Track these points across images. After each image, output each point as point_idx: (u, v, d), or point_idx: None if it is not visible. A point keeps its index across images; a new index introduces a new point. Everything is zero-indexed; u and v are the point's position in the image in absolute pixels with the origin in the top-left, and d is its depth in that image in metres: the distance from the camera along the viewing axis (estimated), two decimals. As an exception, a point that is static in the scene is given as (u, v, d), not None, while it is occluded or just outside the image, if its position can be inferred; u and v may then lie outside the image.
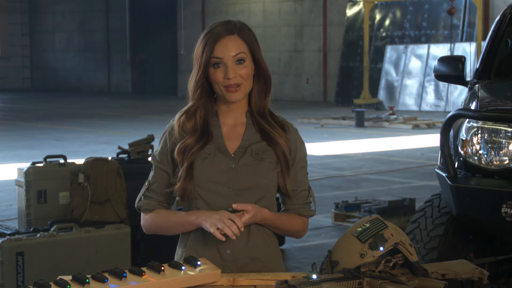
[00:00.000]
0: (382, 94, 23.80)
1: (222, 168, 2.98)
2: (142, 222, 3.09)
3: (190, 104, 3.02)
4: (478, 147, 4.90)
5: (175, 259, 3.07)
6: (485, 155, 4.88)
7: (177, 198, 3.05)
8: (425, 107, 22.73)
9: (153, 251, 6.28)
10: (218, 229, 2.84)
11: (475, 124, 4.92)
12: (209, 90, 3.02)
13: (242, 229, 2.86)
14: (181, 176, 2.96)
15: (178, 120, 3.03)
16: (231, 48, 2.96)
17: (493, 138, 4.88)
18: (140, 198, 3.08)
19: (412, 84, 23.27)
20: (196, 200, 2.99)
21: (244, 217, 2.88)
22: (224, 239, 2.86)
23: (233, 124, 3.05)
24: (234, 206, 2.89)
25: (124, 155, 6.89)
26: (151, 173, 3.07)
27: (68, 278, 2.57)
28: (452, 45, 21.28)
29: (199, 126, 2.99)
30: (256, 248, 3.02)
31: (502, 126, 4.88)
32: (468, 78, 5.85)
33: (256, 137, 3.03)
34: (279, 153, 3.00)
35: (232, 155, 3.00)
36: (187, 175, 2.95)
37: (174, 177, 3.00)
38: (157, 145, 3.15)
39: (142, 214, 3.08)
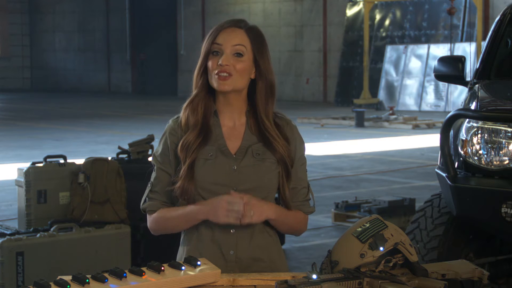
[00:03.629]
0: (382, 94, 23.80)
1: (224, 170, 2.98)
2: (148, 224, 3.08)
3: (193, 94, 3.02)
4: (478, 147, 4.90)
5: (178, 258, 3.07)
6: (485, 155, 4.88)
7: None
8: (425, 107, 22.74)
9: (153, 251, 6.28)
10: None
11: (475, 124, 4.91)
12: (208, 85, 3.02)
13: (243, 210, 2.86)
14: (182, 175, 2.96)
15: (185, 112, 3.02)
16: (232, 37, 2.96)
17: (493, 138, 4.88)
18: (145, 200, 3.08)
19: (412, 84, 23.28)
20: (197, 201, 2.98)
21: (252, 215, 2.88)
22: (239, 222, 2.86)
23: (232, 124, 3.04)
24: (232, 192, 2.90)
25: (124, 155, 6.89)
26: (153, 174, 3.07)
27: (68, 278, 2.57)
28: (452, 45, 21.28)
29: (199, 122, 2.99)
30: (259, 249, 3.02)
31: (502, 126, 4.88)
32: (468, 78, 5.85)
33: (255, 138, 3.03)
34: (278, 159, 3.00)
35: (234, 156, 3.00)
36: (188, 175, 2.95)
37: (176, 175, 3.00)
38: (157, 145, 3.14)
39: (147, 216, 3.08)
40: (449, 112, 5.27)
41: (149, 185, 3.07)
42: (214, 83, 2.96)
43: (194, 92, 3.02)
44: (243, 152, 3.00)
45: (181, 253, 3.07)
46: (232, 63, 2.94)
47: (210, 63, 2.97)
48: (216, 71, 2.95)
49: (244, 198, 2.87)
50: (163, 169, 3.04)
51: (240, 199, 2.86)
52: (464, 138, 4.93)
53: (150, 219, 3.07)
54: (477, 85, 5.49)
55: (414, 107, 22.94)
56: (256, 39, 3.00)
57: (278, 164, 3.01)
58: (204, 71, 3.00)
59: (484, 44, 5.95)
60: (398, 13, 24.70)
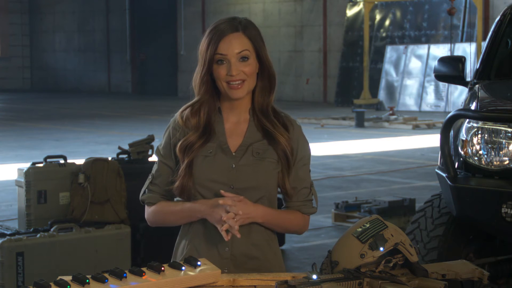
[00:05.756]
0: (382, 94, 23.80)
1: (223, 167, 2.99)
2: (146, 215, 3.11)
3: (195, 99, 3.03)
4: (478, 147, 4.90)
5: (175, 251, 3.09)
6: (485, 156, 4.88)
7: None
8: (425, 108, 22.74)
9: (153, 251, 6.28)
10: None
11: (475, 125, 4.91)
12: (213, 87, 3.03)
13: (237, 232, 2.88)
14: (181, 174, 2.98)
15: (181, 113, 3.03)
16: (235, 45, 2.96)
17: (493, 139, 4.88)
18: (144, 191, 3.10)
19: (412, 84, 23.28)
20: (196, 198, 3.00)
21: (236, 218, 2.89)
22: (227, 239, 2.88)
23: (236, 121, 3.05)
24: (222, 200, 2.89)
25: (124, 155, 6.89)
26: (155, 167, 3.08)
27: (68, 278, 2.57)
28: (452, 45, 21.28)
29: (202, 123, 3.00)
30: (255, 248, 3.03)
31: (502, 127, 4.88)
32: (468, 79, 5.85)
33: (258, 135, 3.03)
34: (280, 153, 3.01)
35: (234, 154, 3.00)
36: (187, 173, 2.97)
37: (175, 174, 3.01)
38: (157, 145, 3.15)
39: (146, 207, 3.11)
40: (449, 112, 5.26)
41: (149, 176, 3.09)
42: (227, 92, 2.98)
43: (196, 98, 3.03)
44: (243, 150, 3.01)
45: (180, 247, 3.08)
46: (241, 69, 2.96)
47: (217, 72, 2.97)
48: (227, 81, 2.96)
49: (231, 200, 2.90)
50: (165, 163, 3.06)
51: (233, 215, 2.87)
52: (464, 139, 4.93)
53: (148, 210, 3.09)
54: (477, 86, 5.49)
55: (414, 108, 22.93)
56: (255, 37, 3.01)
57: (278, 163, 3.01)
58: (208, 79, 3.00)
59: (484, 45, 5.95)
60: (398, 13, 24.69)
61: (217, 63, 2.97)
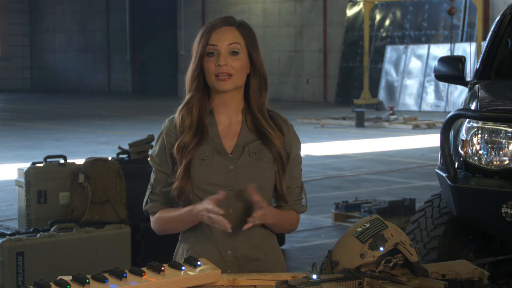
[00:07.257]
0: (382, 94, 23.80)
1: (221, 170, 2.98)
2: (151, 225, 3.10)
3: (188, 96, 3.02)
4: (478, 147, 4.90)
5: (175, 255, 3.08)
6: (485, 155, 4.87)
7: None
8: (425, 107, 22.74)
9: (153, 251, 6.28)
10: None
11: (475, 124, 4.91)
12: (204, 85, 3.02)
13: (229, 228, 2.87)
14: (179, 176, 2.96)
15: (180, 113, 3.02)
16: (226, 37, 2.97)
17: (493, 138, 4.88)
18: (147, 201, 3.09)
19: (412, 84, 23.28)
20: (195, 201, 2.99)
21: (257, 213, 2.87)
22: (229, 230, 2.86)
23: (228, 122, 3.05)
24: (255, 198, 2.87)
25: (124, 155, 6.89)
26: (152, 176, 3.07)
27: (68, 278, 2.57)
28: (452, 45, 21.29)
29: (194, 122, 3.00)
30: (256, 248, 3.02)
31: (502, 126, 4.88)
32: (468, 78, 5.85)
33: (251, 136, 3.03)
34: (275, 153, 3.01)
35: (230, 155, 3.00)
36: (185, 175, 2.96)
37: (172, 176, 3.00)
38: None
39: (150, 217, 3.10)
40: (449, 112, 5.27)
41: (149, 186, 3.08)
42: (214, 84, 2.97)
43: (188, 95, 3.02)
44: (240, 151, 3.00)
45: (179, 251, 3.08)
46: (230, 62, 2.95)
47: (207, 65, 2.97)
48: (216, 73, 2.95)
49: (257, 199, 2.88)
50: (161, 170, 3.05)
51: (217, 209, 2.85)
52: (464, 138, 4.93)
53: (152, 220, 3.09)
54: (477, 85, 5.49)
55: (414, 107, 22.94)
56: (248, 35, 3.02)
57: (274, 163, 3.01)
58: (199, 73, 3.00)
59: (484, 44, 5.95)
60: (398, 13, 24.70)
61: (208, 56, 2.97)
